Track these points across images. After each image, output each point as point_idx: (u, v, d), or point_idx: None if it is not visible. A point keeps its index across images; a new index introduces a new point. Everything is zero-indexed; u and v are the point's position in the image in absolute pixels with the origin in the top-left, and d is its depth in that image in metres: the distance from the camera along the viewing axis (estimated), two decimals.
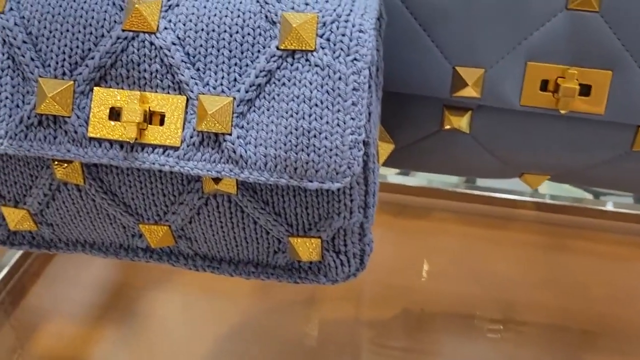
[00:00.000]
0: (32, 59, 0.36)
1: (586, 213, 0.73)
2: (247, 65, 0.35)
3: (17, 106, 0.36)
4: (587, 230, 0.73)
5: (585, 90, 0.41)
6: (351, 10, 0.34)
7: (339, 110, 0.34)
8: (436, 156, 0.47)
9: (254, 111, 0.35)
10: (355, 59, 0.34)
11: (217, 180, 0.37)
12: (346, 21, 0.34)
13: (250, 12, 0.35)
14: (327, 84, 0.34)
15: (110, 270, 0.65)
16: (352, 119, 0.34)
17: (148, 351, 0.58)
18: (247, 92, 0.35)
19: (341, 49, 0.34)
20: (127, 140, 0.35)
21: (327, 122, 0.34)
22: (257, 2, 0.35)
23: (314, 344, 0.59)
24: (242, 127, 0.35)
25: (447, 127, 0.44)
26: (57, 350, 0.57)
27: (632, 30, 0.39)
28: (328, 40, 0.34)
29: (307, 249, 0.39)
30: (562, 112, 0.41)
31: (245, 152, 0.35)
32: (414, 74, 0.42)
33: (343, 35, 0.34)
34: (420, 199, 0.76)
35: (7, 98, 0.36)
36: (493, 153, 0.45)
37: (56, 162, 0.38)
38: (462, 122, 0.44)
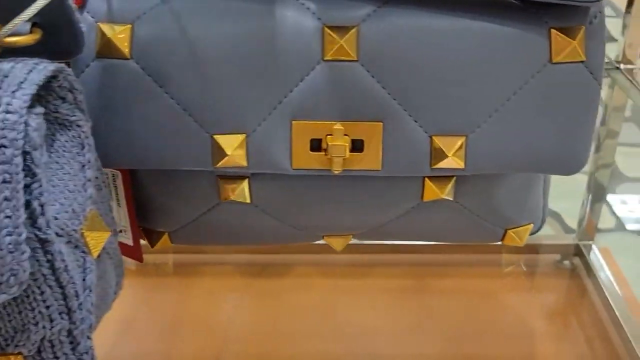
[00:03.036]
0: None
1: (445, 250, 0.70)
2: None
3: None
4: (448, 267, 0.71)
5: (358, 145, 0.37)
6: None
7: None
8: (225, 229, 0.42)
9: None
10: (2, 146, 0.28)
11: None
12: None
13: None
14: None
15: None
16: (8, 217, 0.28)
17: None
18: None
19: None
20: None
21: None
22: None
23: None
24: None
25: (225, 198, 0.40)
26: None
27: (395, 76, 0.36)
28: None
29: None
30: (336, 172, 0.37)
31: None
32: (172, 148, 0.37)
33: None
34: (282, 256, 0.73)
35: None
36: (281, 220, 0.41)
37: None
38: (239, 192, 0.39)
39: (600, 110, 0.64)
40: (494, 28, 0.36)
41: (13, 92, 0.28)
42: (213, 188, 0.40)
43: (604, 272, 0.68)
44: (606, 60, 0.61)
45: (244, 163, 0.37)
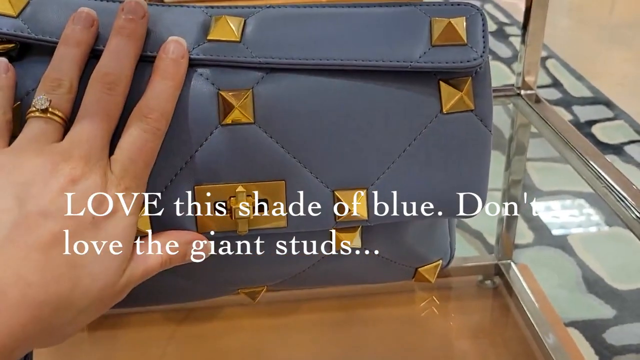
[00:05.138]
0: None
1: None
2: None
3: None
4: (375, 295, 0.71)
5: (263, 204, 0.37)
6: None
7: None
8: (135, 292, 0.41)
9: None
10: None
11: None
12: None
13: None
14: None
15: None
16: None
17: None
18: None
19: None
20: None
21: None
22: None
23: None
24: None
25: None
26: None
27: (293, 135, 0.36)
28: None
29: None
30: (241, 233, 0.37)
31: None
32: None
33: None
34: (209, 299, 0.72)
35: None
36: (192, 280, 0.41)
37: None
38: None
39: (509, 128, 0.66)
40: (386, 84, 0.37)
41: None
42: None
43: (524, 289, 0.70)
44: (508, 87, 0.64)
45: (148, 229, 0.37)
